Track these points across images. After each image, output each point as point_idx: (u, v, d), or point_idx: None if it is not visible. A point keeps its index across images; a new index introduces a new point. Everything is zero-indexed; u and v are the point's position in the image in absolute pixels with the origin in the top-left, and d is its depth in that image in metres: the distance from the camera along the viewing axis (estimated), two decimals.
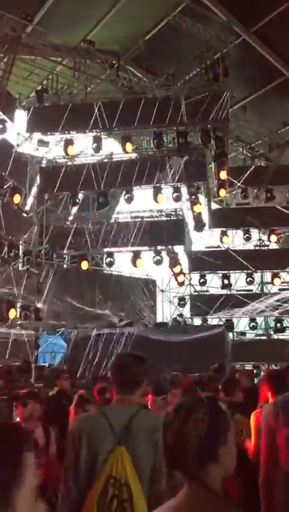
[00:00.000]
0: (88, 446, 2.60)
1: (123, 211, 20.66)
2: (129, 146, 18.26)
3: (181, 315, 22.54)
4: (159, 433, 2.44)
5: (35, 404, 5.03)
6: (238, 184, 20.76)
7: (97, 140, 18.54)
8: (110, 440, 2.60)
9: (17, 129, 18.45)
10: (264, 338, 22.69)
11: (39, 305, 17.42)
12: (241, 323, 23.33)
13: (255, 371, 17.66)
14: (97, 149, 18.58)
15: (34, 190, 19.57)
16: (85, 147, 19.69)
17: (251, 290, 22.71)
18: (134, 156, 19.85)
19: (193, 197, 19.78)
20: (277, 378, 3.65)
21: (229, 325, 21.24)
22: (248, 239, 21.84)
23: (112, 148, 19.78)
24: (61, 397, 6.63)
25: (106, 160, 19.44)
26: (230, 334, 21.36)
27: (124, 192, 19.17)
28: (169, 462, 1.74)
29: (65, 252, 20.44)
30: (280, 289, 22.39)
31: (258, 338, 22.58)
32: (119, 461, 2.53)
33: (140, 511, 2.45)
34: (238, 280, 22.92)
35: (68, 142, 18.37)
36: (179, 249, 20.91)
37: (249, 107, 20.64)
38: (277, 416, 2.91)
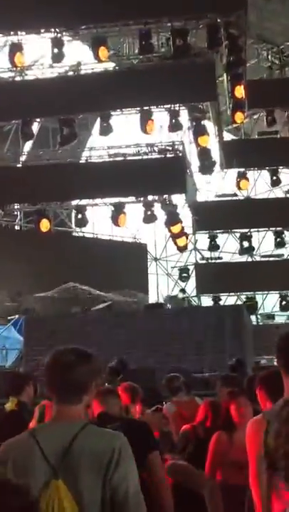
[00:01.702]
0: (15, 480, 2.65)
1: (97, 147, 20.38)
2: (103, 52, 17.87)
3: (183, 291, 22.63)
4: (112, 458, 2.66)
5: None
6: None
7: (58, 44, 18.13)
8: (43, 472, 2.67)
9: None
10: None
11: None
12: (268, 303, 23.54)
13: None
14: (58, 57, 18.18)
15: None
16: (40, 55, 19.30)
17: (282, 255, 22.84)
18: (111, 66, 19.54)
19: (198, 124, 19.53)
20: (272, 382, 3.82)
21: (251, 305, 21.43)
22: (276, 183, 21.80)
23: (80, 55, 19.40)
24: (22, 413, 6.71)
25: (71, 73, 19.12)
26: (253, 317, 21.58)
27: (99, 119, 18.92)
28: None
29: (16, 206, 20.26)
30: None
31: None
32: (55, 498, 2.61)
33: None
34: (264, 242, 22.98)
35: (15, 47, 17.91)
36: (178, 199, 20.80)
37: None
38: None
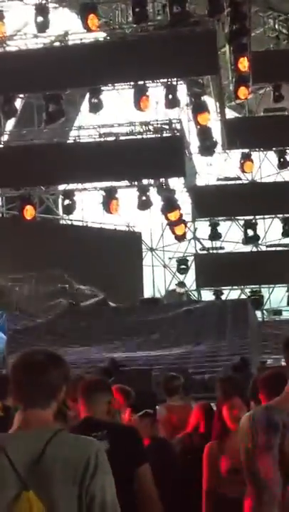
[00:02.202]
0: None
1: (87, 126, 20.30)
2: (93, 21, 17.83)
3: (182, 284, 22.62)
4: (88, 466, 2.70)
5: None
6: None
7: (42, 11, 18.07)
8: (12, 483, 2.70)
9: None
10: None
11: None
12: (275, 297, 23.56)
13: None
14: (43, 27, 18.13)
15: None
16: (23, 23, 19.31)
17: None
18: (102, 36, 19.49)
19: (198, 101, 19.50)
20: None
21: (256, 299, 21.46)
22: (283, 165, 21.74)
23: (67, 24, 19.40)
24: (7, 420, 6.71)
25: (57, 44, 19.07)
26: (259, 313, 21.63)
27: (89, 95, 18.86)
28: None
29: None
30: None
31: None
32: (26, 511, 2.66)
33: None
34: (270, 230, 22.96)
35: None
36: (176, 183, 20.74)
37: None
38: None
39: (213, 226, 21.99)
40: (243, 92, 18.86)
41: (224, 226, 22.53)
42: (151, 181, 19.73)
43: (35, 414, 2.84)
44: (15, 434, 2.87)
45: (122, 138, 19.60)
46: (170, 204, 19.91)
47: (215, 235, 22.14)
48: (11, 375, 2.94)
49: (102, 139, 19.67)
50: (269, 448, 3.08)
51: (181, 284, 22.11)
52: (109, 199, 19.04)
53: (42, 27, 18.12)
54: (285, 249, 22.75)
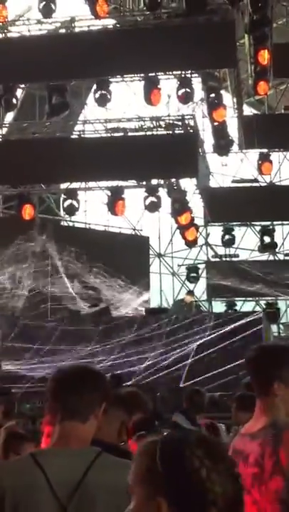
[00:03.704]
0: None
1: (93, 120, 20.39)
2: (102, 7, 17.84)
3: (190, 293, 22.54)
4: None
5: None
6: None
7: None
8: (49, 506, 2.71)
9: None
10: None
11: None
12: None
13: None
14: (48, 12, 18.14)
15: None
16: (25, 8, 19.55)
17: None
18: (111, 23, 19.59)
19: (213, 95, 19.45)
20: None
21: (272, 312, 21.24)
22: None
23: (74, 9, 19.39)
24: None
25: (63, 30, 19.13)
26: (275, 327, 21.49)
27: (95, 86, 18.88)
28: None
29: None
30: None
31: None
32: None
33: None
34: None
35: None
36: (188, 184, 20.78)
37: None
38: None
39: (227, 231, 21.90)
40: (262, 87, 18.81)
41: (239, 232, 22.45)
42: (161, 182, 19.71)
43: (74, 429, 2.89)
44: (54, 451, 2.91)
45: (130, 134, 19.54)
46: (181, 206, 19.86)
47: (228, 241, 22.03)
48: (48, 387, 3.04)
49: (108, 135, 19.63)
50: None
51: (190, 293, 22.00)
52: (114, 200, 18.98)
53: (47, 12, 18.08)
54: None
